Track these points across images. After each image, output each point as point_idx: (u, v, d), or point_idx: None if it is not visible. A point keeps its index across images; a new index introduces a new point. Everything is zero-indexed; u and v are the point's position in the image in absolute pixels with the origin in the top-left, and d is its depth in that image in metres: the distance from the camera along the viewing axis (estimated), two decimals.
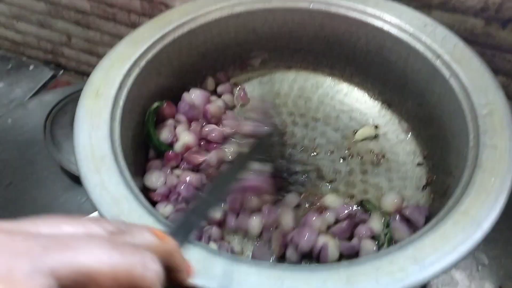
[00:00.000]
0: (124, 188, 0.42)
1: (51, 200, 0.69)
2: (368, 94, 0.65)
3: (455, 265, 0.37)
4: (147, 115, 0.57)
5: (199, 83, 0.65)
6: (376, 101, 0.65)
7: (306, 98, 0.66)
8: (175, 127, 0.58)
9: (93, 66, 0.93)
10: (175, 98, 0.61)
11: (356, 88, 0.66)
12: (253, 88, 0.68)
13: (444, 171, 0.52)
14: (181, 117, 0.59)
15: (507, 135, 0.45)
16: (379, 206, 0.54)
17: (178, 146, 0.57)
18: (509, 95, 0.65)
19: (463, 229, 0.39)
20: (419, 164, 0.58)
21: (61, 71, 0.99)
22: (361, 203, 0.54)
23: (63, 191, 0.70)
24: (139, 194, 0.42)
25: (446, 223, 0.40)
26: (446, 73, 0.52)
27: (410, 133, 0.61)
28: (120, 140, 0.47)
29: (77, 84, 0.90)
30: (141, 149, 0.56)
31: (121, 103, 0.50)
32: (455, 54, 0.53)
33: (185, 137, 0.57)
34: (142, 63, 0.54)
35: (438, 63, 0.53)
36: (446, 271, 0.37)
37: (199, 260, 0.36)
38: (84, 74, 0.98)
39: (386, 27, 0.57)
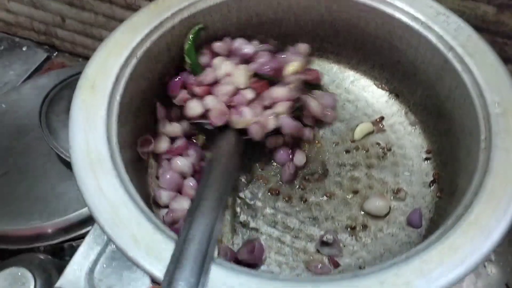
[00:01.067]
0: (123, 192, 0.41)
1: (49, 190, 0.68)
2: (375, 83, 0.63)
3: (463, 278, 0.36)
4: (191, 33, 0.56)
5: None
6: (383, 91, 0.62)
7: None
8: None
9: (88, 48, 0.91)
10: None
11: (363, 77, 0.64)
12: None
13: (453, 169, 0.50)
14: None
15: None
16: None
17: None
18: None
19: (472, 240, 0.38)
20: (426, 159, 0.56)
21: (55, 53, 0.95)
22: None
23: (60, 180, 0.69)
24: (138, 199, 0.41)
25: (455, 233, 0.38)
26: (458, 66, 0.50)
27: (417, 125, 0.59)
28: (118, 138, 0.45)
29: (72, 67, 0.87)
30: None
31: (118, 97, 0.47)
32: (469, 47, 0.50)
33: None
34: (140, 52, 0.51)
35: (450, 55, 0.51)
36: (453, 285, 0.36)
37: None
38: (79, 56, 0.95)
39: (396, 14, 0.54)
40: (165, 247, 0.38)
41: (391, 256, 0.50)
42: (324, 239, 0.50)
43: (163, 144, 0.55)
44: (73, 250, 0.70)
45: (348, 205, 0.54)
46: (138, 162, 0.52)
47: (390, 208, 0.53)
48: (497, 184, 0.41)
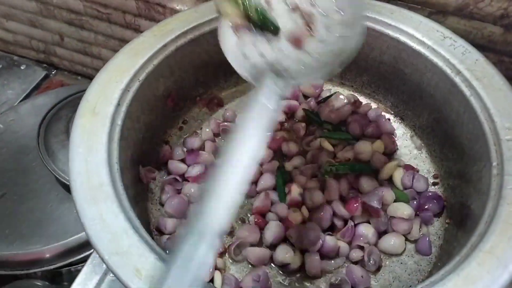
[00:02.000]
0: (124, 220, 0.39)
1: (48, 212, 0.66)
2: (379, 106, 0.62)
3: None
4: None
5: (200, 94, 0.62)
6: (388, 114, 0.61)
7: None
8: None
9: (86, 66, 0.90)
10: (176, 110, 0.57)
11: (366, 100, 0.63)
12: None
13: (463, 196, 0.49)
14: None
15: None
16: None
17: None
18: None
19: (489, 271, 0.36)
20: (434, 184, 0.55)
21: (54, 71, 0.95)
22: None
23: (59, 202, 0.67)
24: (139, 227, 0.40)
25: (470, 264, 0.37)
26: (466, 91, 0.49)
27: (423, 149, 0.58)
28: (119, 164, 0.44)
29: (70, 86, 0.86)
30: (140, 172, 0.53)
31: (119, 121, 0.47)
32: (476, 71, 0.49)
33: None
34: (142, 76, 0.50)
35: (457, 79, 0.50)
36: None
37: None
38: (78, 74, 0.94)
39: (402, 38, 0.54)
40: None
41: (401, 285, 0.48)
42: (333, 280, 0.48)
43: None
44: (71, 275, 0.68)
45: None
46: (139, 187, 0.51)
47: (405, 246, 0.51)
48: None
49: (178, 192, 0.53)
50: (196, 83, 0.60)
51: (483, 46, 0.58)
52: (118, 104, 0.47)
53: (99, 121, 0.45)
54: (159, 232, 0.50)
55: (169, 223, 0.49)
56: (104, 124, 0.45)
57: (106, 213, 0.39)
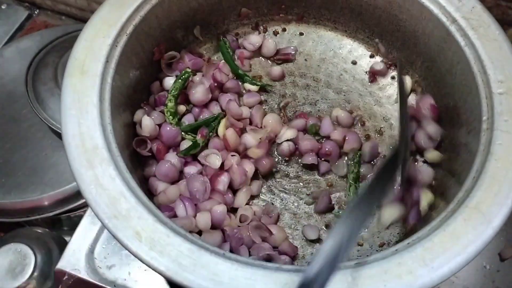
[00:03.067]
0: (121, 183, 0.40)
1: (43, 160, 0.66)
2: (373, 52, 0.61)
3: (464, 266, 0.37)
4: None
5: (191, 43, 0.60)
6: (382, 61, 0.61)
7: (306, 55, 0.62)
8: None
9: (70, 5, 0.86)
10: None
11: (360, 45, 0.62)
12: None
13: (454, 146, 0.50)
14: None
15: None
16: None
17: None
18: None
19: (474, 227, 0.38)
20: None
21: (37, 11, 0.90)
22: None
23: (53, 150, 0.67)
24: (137, 189, 0.40)
25: (456, 220, 0.39)
26: (461, 40, 0.48)
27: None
28: (112, 124, 0.43)
29: (55, 28, 0.83)
30: (133, 127, 0.52)
31: (109, 79, 0.45)
32: (472, 19, 0.48)
33: None
34: (130, 29, 0.49)
35: (453, 28, 0.49)
36: (455, 273, 0.37)
37: None
38: (62, 14, 0.90)
39: None
40: (169, 240, 0.37)
41: (389, 232, 0.51)
42: None
43: None
44: (71, 221, 0.70)
45: None
46: (133, 147, 0.51)
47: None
48: (499, 168, 0.40)
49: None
50: (185, 30, 0.58)
51: None
52: (107, 61, 0.46)
53: (89, 80, 0.44)
54: (149, 193, 0.51)
55: (160, 186, 0.50)
56: (94, 83, 0.44)
57: (102, 177, 0.40)
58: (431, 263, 0.36)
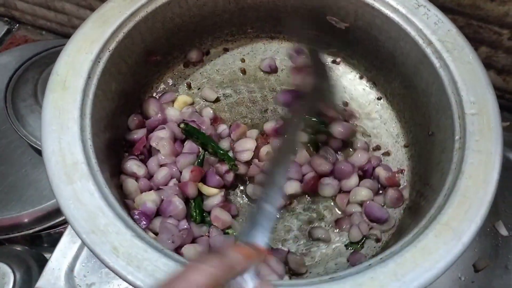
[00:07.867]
0: (99, 198, 0.40)
1: (22, 177, 0.66)
2: (353, 70, 0.63)
3: (435, 280, 0.38)
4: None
5: (175, 58, 0.61)
6: (361, 79, 0.62)
7: (289, 71, 0.63)
8: None
9: (50, 20, 0.86)
10: (149, 77, 0.57)
11: (341, 63, 0.63)
12: (233, 60, 0.64)
13: (427, 163, 0.51)
14: None
15: (494, 139, 0.44)
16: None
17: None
18: (493, 66, 0.64)
19: (445, 243, 0.39)
20: (405, 146, 0.57)
21: (17, 25, 0.90)
22: None
23: (32, 167, 0.67)
24: (115, 204, 0.41)
25: (428, 236, 0.40)
26: (436, 62, 0.50)
27: (394, 115, 0.59)
28: (92, 140, 0.44)
29: (35, 43, 0.83)
30: (115, 142, 0.53)
31: (91, 95, 0.46)
32: (448, 42, 0.50)
33: None
34: (112, 45, 0.49)
35: (428, 50, 0.51)
36: (426, 287, 0.37)
37: None
38: (42, 29, 0.90)
39: (376, 5, 0.53)
40: (146, 255, 0.38)
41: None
42: None
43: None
44: (51, 237, 0.70)
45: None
46: (114, 160, 0.51)
47: None
48: (470, 187, 0.42)
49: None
50: (169, 47, 0.59)
51: (452, 9, 0.59)
52: (89, 77, 0.46)
53: (70, 96, 0.45)
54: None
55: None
56: (75, 99, 0.45)
57: (81, 192, 0.40)
58: (402, 278, 0.37)
